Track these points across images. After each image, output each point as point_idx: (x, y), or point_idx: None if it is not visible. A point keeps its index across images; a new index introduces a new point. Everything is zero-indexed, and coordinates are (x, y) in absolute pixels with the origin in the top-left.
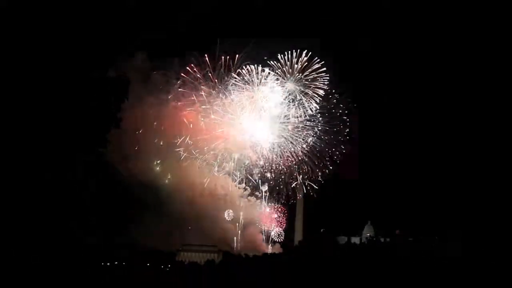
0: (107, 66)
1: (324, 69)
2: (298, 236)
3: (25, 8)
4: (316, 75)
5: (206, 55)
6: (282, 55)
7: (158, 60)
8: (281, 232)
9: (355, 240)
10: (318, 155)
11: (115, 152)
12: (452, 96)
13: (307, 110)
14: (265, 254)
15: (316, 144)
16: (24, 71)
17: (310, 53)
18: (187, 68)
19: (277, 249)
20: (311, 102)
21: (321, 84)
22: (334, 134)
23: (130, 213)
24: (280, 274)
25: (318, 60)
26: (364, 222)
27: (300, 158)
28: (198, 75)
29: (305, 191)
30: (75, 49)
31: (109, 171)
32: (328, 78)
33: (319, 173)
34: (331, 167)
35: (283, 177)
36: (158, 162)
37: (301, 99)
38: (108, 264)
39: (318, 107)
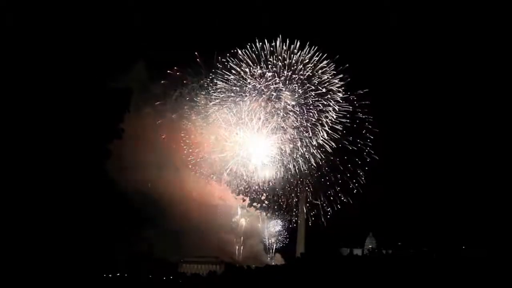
0: (109, 76)
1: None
2: (300, 248)
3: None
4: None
5: (202, 65)
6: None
7: (156, 71)
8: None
9: (357, 251)
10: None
11: (115, 162)
12: (450, 105)
13: (315, 137)
14: (267, 266)
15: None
16: (31, 78)
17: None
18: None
19: (279, 259)
20: (321, 129)
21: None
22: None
23: (130, 224)
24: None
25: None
26: (366, 234)
27: (301, 180)
28: (194, 85)
29: (305, 211)
30: (79, 58)
31: (109, 181)
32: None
33: (328, 208)
34: (343, 198)
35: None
36: (157, 173)
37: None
38: (110, 275)
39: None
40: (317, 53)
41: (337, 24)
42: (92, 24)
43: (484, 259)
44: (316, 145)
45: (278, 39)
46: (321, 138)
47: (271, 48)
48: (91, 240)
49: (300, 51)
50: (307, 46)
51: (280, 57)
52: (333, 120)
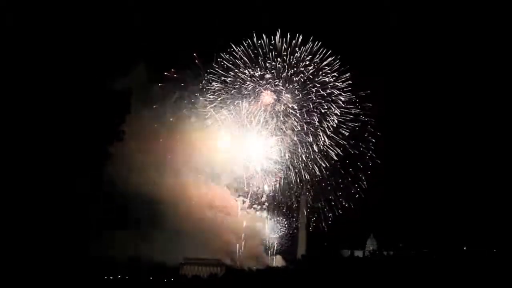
0: (109, 77)
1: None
2: (301, 250)
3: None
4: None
5: (201, 66)
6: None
7: (156, 73)
8: None
9: (358, 253)
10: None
11: (115, 164)
12: (451, 105)
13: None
14: (268, 267)
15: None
16: (31, 79)
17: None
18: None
19: (279, 260)
20: (322, 134)
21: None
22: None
23: (131, 226)
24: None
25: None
26: (367, 235)
27: (302, 185)
28: (194, 88)
29: (305, 214)
30: (79, 59)
31: (110, 184)
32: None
33: (329, 214)
34: (344, 203)
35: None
36: (157, 175)
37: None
38: (111, 277)
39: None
40: (318, 52)
41: (337, 26)
42: (92, 24)
43: (485, 260)
44: (317, 150)
45: (278, 34)
46: (323, 143)
47: (271, 47)
48: (91, 242)
49: (302, 47)
50: (310, 42)
51: (279, 58)
52: (336, 123)
